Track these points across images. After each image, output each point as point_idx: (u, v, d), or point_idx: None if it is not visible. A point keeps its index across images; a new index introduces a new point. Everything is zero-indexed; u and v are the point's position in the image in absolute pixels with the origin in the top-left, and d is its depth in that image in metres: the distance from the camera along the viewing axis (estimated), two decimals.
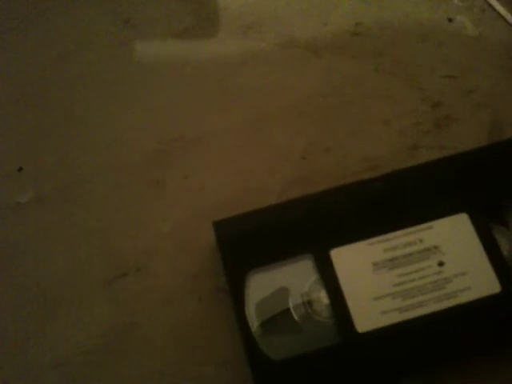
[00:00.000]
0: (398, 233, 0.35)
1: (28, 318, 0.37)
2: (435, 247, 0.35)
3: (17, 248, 0.39)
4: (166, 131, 0.42)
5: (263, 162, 0.41)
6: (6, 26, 0.47)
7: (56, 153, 0.42)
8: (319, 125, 0.42)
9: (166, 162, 0.42)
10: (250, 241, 0.36)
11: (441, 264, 0.34)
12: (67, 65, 0.45)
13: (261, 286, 0.35)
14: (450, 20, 0.46)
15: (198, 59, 0.45)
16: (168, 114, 0.43)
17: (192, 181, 0.41)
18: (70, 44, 0.46)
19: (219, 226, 0.36)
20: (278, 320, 0.34)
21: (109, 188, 0.41)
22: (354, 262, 0.35)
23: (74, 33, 0.47)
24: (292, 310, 0.34)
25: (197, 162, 0.41)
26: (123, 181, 0.41)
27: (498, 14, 0.46)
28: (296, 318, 0.34)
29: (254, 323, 0.34)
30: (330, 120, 0.43)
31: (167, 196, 0.40)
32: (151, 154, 0.42)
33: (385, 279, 0.34)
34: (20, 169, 0.42)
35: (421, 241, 0.35)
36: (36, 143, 0.43)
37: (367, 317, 0.33)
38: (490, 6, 0.46)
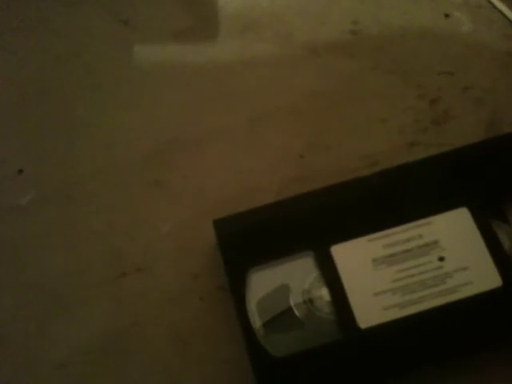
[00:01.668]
0: (398, 229, 0.35)
1: (29, 318, 0.37)
2: (435, 242, 0.35)
3: (18, 248, 0.39)
4: (166, 131, 0.43)
5: (262, 162, 0.41)
6: (5, 25, 0.47)
7: (56, 153, 0.42)
8: (317, 123, 0.42)
9: (166, 162, 0.42)
10: (250, 239, 0.36)
11: (441, 259, 0.34)
12: (67, 65, 0.46)
13: (262, 283, 0.35)
14: (447, 16, 0.46)
15: (196, 60, 0.46)
16: (167, 114, 0.43)
17: (191, 181, 0.41)
18: (69, 44, 0.46)
19: (219, 224, 0.36)
20: (279, 317, 0.34)
21: (109, 188, 0.41)
22: (354, 258, 0.35)
23: (73, 33, 0.47)
24: (293, 307, 0.34)
25: (196, 162, 0.41)
26: (123, 181, 0.41)
27: (496, 8, 0.46)
28: (297, 314, 0.34)
29: (255, 321, 0.34)
30: (328, 119, 0.43)
31: (167, 196, 0.40)
32: (151, 154, 0.42)
33: (385, 275, 0.34)
34: (20, 170, 0.42)
35: (420, 236, 0.35)
36: (36, 144, 0.43)
37: (369, 313, 0.33)
38: (488, 0, 0.46)
